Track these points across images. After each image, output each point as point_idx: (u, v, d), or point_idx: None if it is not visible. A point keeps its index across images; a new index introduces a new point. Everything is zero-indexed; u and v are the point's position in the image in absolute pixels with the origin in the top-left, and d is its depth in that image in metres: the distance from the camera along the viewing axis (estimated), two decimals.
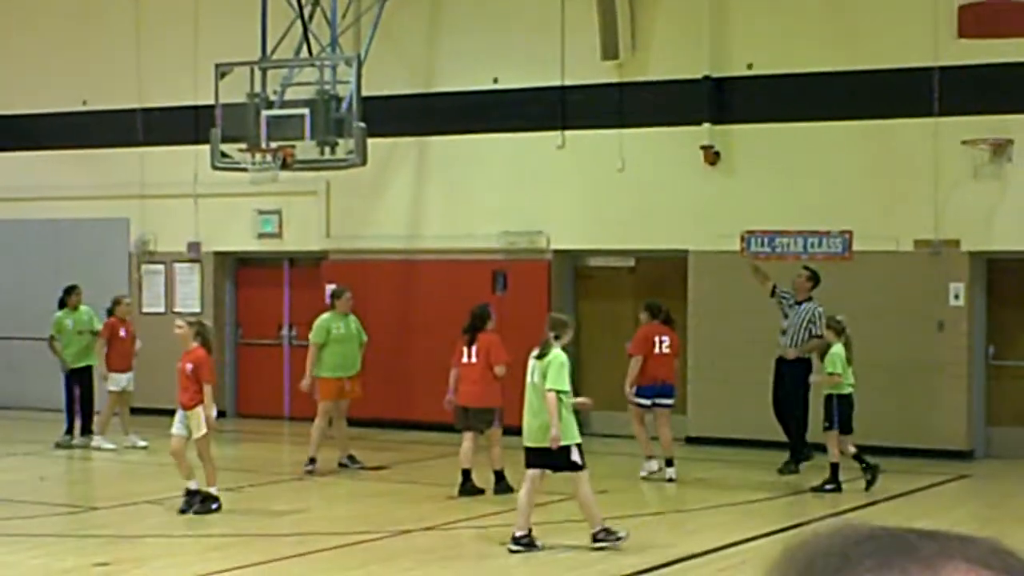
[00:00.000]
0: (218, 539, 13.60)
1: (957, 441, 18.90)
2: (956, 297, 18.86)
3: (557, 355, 13.22)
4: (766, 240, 19.86)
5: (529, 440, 13.18)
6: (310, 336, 18.13)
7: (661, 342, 17.51)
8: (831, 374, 16.11)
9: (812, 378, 16.98)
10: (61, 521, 14.42)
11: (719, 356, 20.06)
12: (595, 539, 13.11)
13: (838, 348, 16.24)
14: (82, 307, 20.51)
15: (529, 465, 13.12)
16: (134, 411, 23.79)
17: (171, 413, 23.30)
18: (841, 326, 16.36)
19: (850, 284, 19.20)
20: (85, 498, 15.81)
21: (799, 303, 17.64)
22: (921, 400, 18.96)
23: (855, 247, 19.39)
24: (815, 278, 17.79)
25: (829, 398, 16.29)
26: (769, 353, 18.97)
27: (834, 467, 16.09)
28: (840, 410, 16.19)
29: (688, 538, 13.71)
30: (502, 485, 15.90)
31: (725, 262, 19.99)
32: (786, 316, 17.66)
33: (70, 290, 20.63)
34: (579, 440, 13.21)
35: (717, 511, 15.28)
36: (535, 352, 13.42)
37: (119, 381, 19.90)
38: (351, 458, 17.98)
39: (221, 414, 23.58)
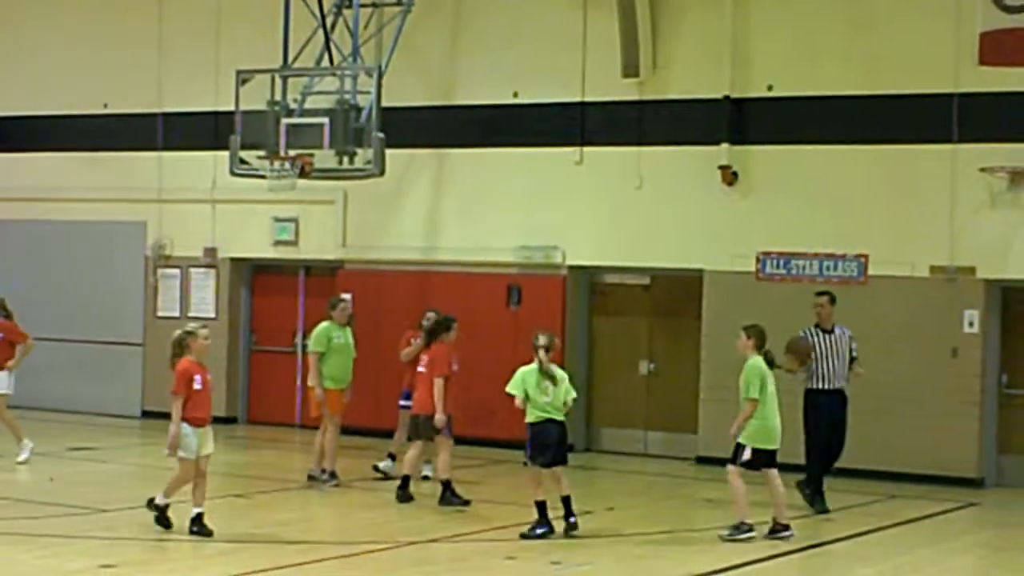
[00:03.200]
0: (225, 544, 13.60)
1: (968, 469, 18.85)
2: (970, 324, 18.84)
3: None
4: (781, 262, 19.85)
5: (777, 443, 14.72)
6: (310, 345, 17.84)
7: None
8: None
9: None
10: (69, 522, 14.44)
11: (732, 376, 19.92)
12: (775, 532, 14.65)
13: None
14: None
15: (771, 465, 14.68)
16: (148, 415, 23.93)
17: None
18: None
19: (865, 308, 19.17)
20: (94, 500, 15.80)
21: (828, 332, 16.92)
22: (932, 427, 18.91)
23: (870, 271, 19.37)
24: (835, 300, 17.22)
25: None
26: (780, 375, 18.96)
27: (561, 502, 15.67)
28: None
29: (693, 559, 13.68)
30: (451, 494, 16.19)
31: (740, 282, 19.99)
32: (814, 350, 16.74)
33: None
34: None
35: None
36: (760, 361, 14.79)
37: None
38: (332, 474, 17.58)
39: (232, 420, 23.75)
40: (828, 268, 19.60)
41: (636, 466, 20.03)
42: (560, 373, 14.59)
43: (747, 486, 14.55)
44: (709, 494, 17.78)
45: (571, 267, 21.28)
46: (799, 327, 19.48)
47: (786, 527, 14.59)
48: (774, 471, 14.67)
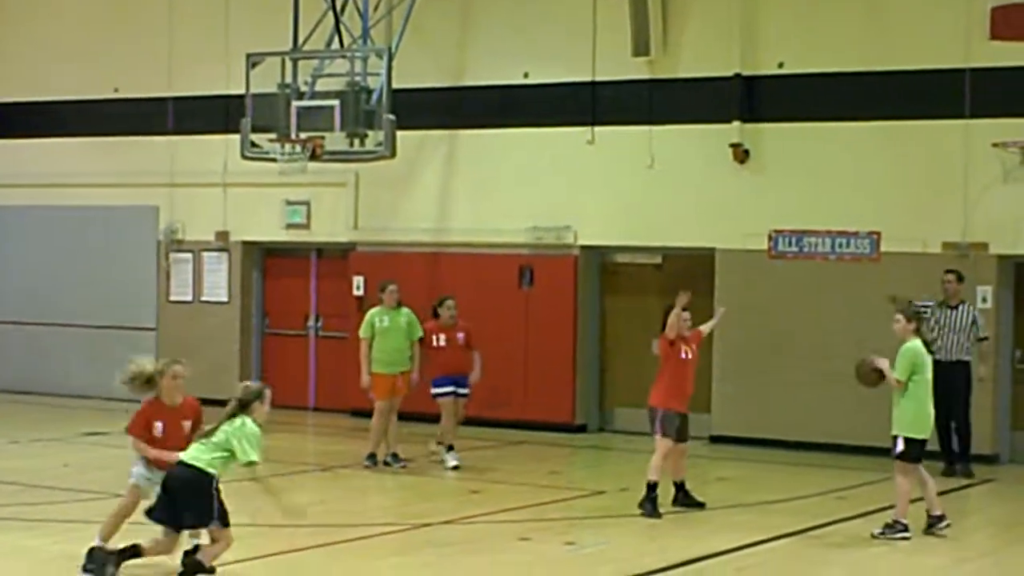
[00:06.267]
0: (239, 528, 13.55)
1: (982, 445, 18.79)
2: (984, 300, 18.78)
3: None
4: (794, 240, 19.81)
5: (928, 432, 13.95)
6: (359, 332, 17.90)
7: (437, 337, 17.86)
8: None
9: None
10: (84, 507, 14.47)
11: (744, 355, 20.03)
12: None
13: None
14: None
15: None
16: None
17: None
18: None
19: (877, 285, 19.12)
20: (108, 484, 15.80)
21: (953, 307, 17.87)
22: None
23: (883, 248, 19.32)
24: (963, 278, 18.05)
25: None
26: (794, 352, 19.06)
27: None
28: None
29: (708, 537, 13.69)
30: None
31: (752, 260, 19.96)
32: (938, 323, 17.72)
33: None
34: None
35: (738, 511, 15.26)
36: (917, 344, 13.73)
37: None
38: (395, 456, 17.71)
39: None
40: (840, 245, 19.55)
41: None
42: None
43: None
44: (722, 473, 17.81)
45: (583, 247, 21.25)
46: (812, 304, 19.58)
47: (940, 518, 13.91)
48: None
